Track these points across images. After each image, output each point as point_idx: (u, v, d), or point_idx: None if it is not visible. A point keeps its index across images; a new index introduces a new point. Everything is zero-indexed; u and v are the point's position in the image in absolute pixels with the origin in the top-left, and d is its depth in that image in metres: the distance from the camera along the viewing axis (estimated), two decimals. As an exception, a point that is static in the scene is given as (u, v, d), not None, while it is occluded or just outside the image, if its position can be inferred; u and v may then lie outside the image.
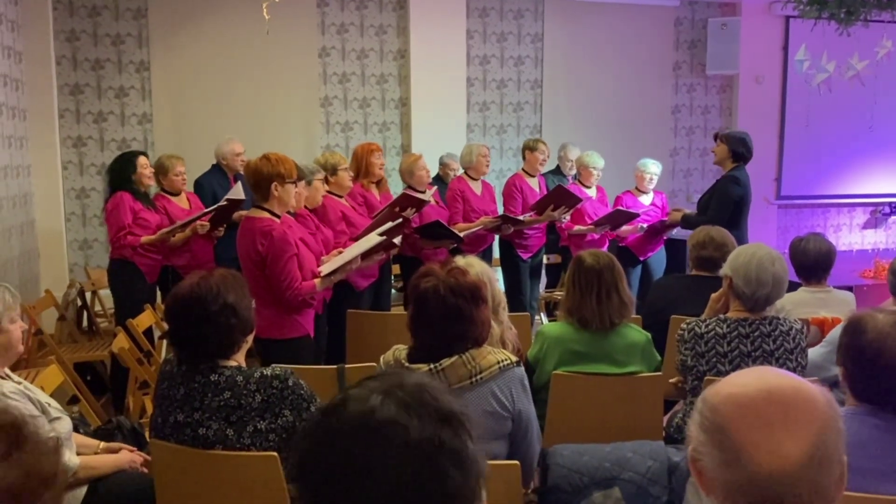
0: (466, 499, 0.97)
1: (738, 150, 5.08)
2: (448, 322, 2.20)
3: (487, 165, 5.61)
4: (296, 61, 7.08)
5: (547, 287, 6.73)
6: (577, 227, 5.71)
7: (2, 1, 5.60)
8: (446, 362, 2.19)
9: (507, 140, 7.76)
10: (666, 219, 5.74)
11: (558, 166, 6.67)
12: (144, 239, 4.74)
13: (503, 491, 2.07)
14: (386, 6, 7.31)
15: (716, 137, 5.31)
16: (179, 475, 2.26)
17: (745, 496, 1.03)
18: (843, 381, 2.01)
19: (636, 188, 5.93)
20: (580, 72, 7.86)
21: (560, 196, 5.37)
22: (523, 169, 5.80)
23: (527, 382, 2.33)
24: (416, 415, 0.96)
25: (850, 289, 4.55)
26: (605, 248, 5.58)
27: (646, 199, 5.87)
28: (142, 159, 4.89)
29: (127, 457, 2.69)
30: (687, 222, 5.31)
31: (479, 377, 2.21)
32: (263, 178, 3.43)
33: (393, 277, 5.48)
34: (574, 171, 6.33)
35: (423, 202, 4.90)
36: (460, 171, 5.79)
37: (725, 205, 4.95)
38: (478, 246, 5.40)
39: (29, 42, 6.16)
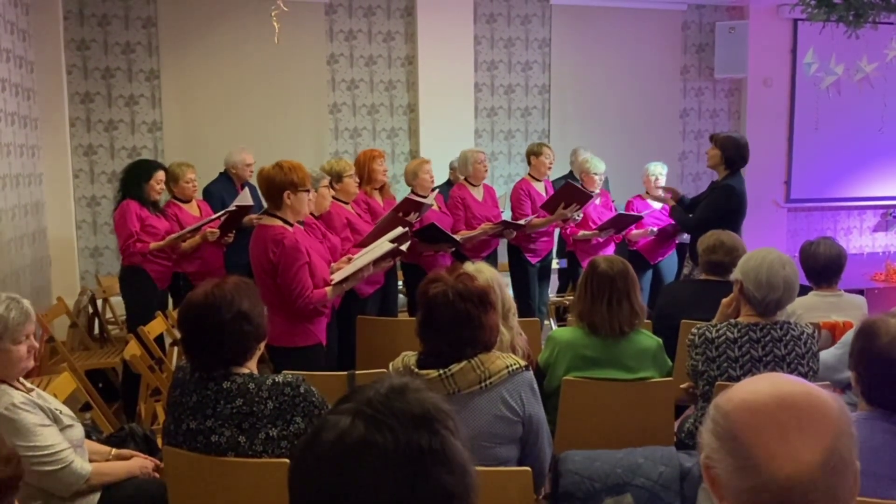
0: (462, 495, 0.97)
1: (732, 156, 4.86)
2: (457, 327, 2.21)
3: (486, 171, 5.59)
4: (304, 68, 7.11)
5: (557, 291, 6.72)
6: (581, 233, 5.70)
7: (13, 11, 5.65)
8: (455, 368, 2.20)
9: (515, 145, 7.76)
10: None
11: (570, 171, 6.66)
12: (154, 245, 4.76)
13: (515, 497, 2.07)
14: (394, 13, 7.33)
15: (712, 140, 5.09)
16: (192, 482, 2.27)
17: (758, 503, 1.03)
18: (855, 385, 2.00)
19: (647, 192, 5.92)
20: (588, 76, 7.87)
21: (569, 193, 5.31)
22: (530, 174, 5.79)
23: (536, 386, 2.33)
24: (387, 428, 0.96)
25: (861, 292, 4.52)
26: (611, 252, 5.57)
27: (657, 203, 5.85)
28: (160, 174, 4.91)
29: (139, 463, 2.70)
30: (674, 212, 5.25)
31: (488, 382, 2.22)
32: (276, 187, 3.43)
33: (400, 283, 5.48)
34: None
35: (425, 206, 4.91)
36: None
37: (713, 213, 4.76)
38: (482, 251, 5.40)
39: (40, 51, 6.22)
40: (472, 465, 1.01)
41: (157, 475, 2.68)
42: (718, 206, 4.81)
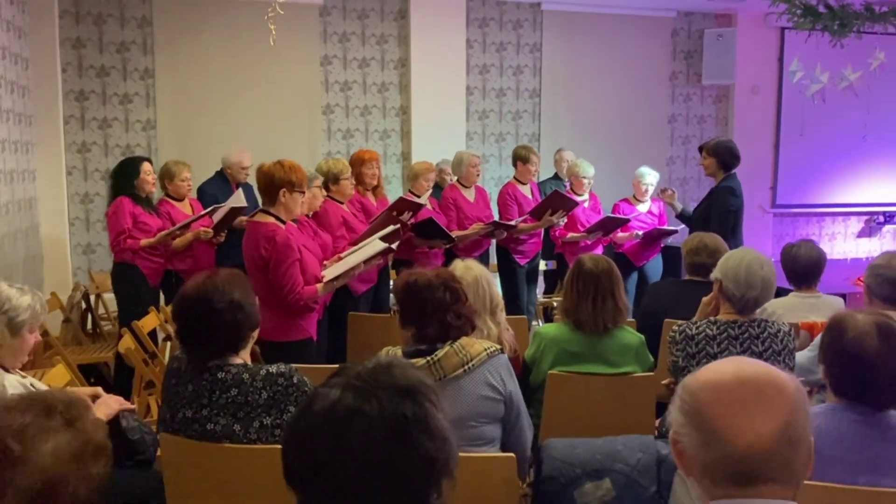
0: (442, 461, 1.06)
1: (726, 159, 5.10)
2: (431, 310, 2.36)
3: (478, 174, 5.71)
4: (298, 69, 7.18)
5: (545, 293, 6.82)
6: (570, 235, 5.80)
7: (9, 9, 5.69)
8: (440, 353, 2.32)
9: (505, 148, 7.84)
10: (662, 226, 5.83)
11: (556, 173, 6.77)
12: (144, 242, 4.81)
13: (500, 483, 2.16)
14: (387, 16, 7.42)
15: (701, 150, 5.33)
16: (188, 469, 2.33)
17: (721, 473, 1.12)
18: (824, 378, 2.09)
19: (633, 196, 6.01)
20: (578, 81, 7.97)
21: (556, 201, 5.46)
22: (515, 178, 5.88)
23: (512, 368, 2.48)
24: (374, 397, 1.05)
25: (843, 296, 4.62)
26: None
27: (643, 208, 5.95)
28: (146, 165, 4.97)
29: (105, 411, 2.42)
30: (683, 219, 5.41)
31: (470, 364, 2.35)
32: (274, 184, 3.51)
33: (391, 282, 5.56)
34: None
35: (419, 206, 5.01)
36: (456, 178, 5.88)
37: (726, 216, 4.98)
38: (473, 251, 5.49)
39: (35, 49, 6.26)
40: (454, 436, 1.10)
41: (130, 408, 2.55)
42: (727, 210, 5.02)
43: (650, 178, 5.93)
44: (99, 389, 2.69)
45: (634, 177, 6.01)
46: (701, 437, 1.13)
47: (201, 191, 5.62)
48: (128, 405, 2.53)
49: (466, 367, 2.34)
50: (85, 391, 2.67)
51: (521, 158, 5.82)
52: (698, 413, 1.14)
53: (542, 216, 5.46)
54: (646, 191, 5.92)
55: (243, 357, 2.41)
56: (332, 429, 1.04)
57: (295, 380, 2.32)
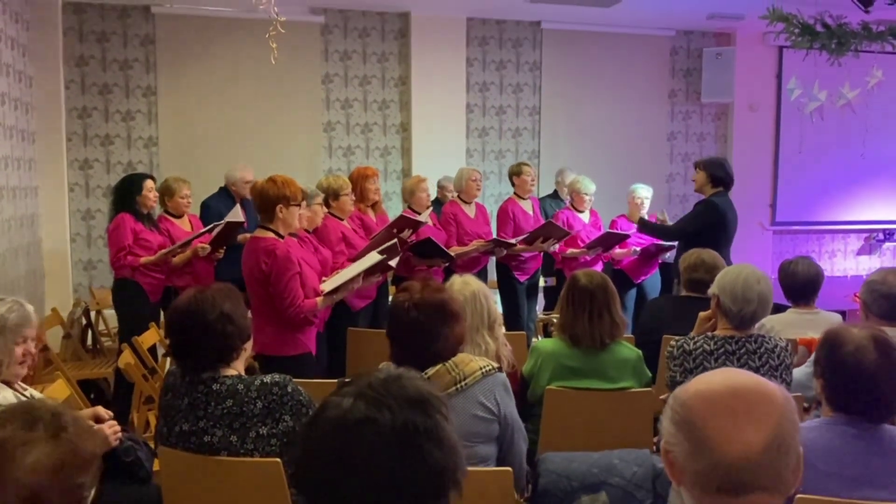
0: (451, 471, 1.07)
1: (717, 174, 5.09)
2: (414, 336, 2.29)
3: (478, 189, 5.75)
4: (299, 87, 7.24)
5: (544, 309, 6.81)
6: (570, 251, 5.82)
7: (13, 26, 5.75)
8: (431, 371, 2.30)
9: (505, 165, 7.86)
10: (660, 242, 5.84)
11: (556, 190, 6.80)
12: (144, 259, 4.82)
13: (497, 497, 2.16)
14: (388, 34, 7.48)
15: (696, 167, 5.34)
16: (186, 482, 2.34)
17: (711, 482, 1.13)
18: (820, 392, 2.09)
19: (630, 213, 6.03)
20: (577, 99, 8.02)
21: (549, 230, 5.54)
22: (515, 193, 5.92)
23: (509, 386, 2.43)
24: (385, 407, 1.07)
25: (843, 313, 4.62)
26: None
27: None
28: (148, 182, 4.99)
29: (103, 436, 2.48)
30: (643, 225, 5.43)
31: (463, 383, 2.32)
32: (269, 200, 3.54)
33: (390, 298, 5.58)
34: (572, 196, 6.44)
35: (419, 223, 5.04)
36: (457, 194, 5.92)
37: (690, 223, 4.96)
38: (472, 268, 5.51)
39: (39, 66, 6.32)
40: (461, 447, 1.12)
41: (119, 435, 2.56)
42: (695, 218, 5.03)
43: (643, 191, 5.95)
44: (100, 409, 2.69)
45: (628, 193, 6.04)
46: (691, 447, 1.14)
47: (205, 206, 5.64)
48: (116, 428, 2.52)
49: (459, 385, 2.30)
50: (86, 412, 2.68)
51: (514, 174, 5.89)
52: (688, 423, 1.15)
53: (534, 242, 5.52)
54: (640, 204, 5.94)
55: (237, 369, 2.42)
56: (343, 436, 1.06)
57: (289, 389, 2.33)
